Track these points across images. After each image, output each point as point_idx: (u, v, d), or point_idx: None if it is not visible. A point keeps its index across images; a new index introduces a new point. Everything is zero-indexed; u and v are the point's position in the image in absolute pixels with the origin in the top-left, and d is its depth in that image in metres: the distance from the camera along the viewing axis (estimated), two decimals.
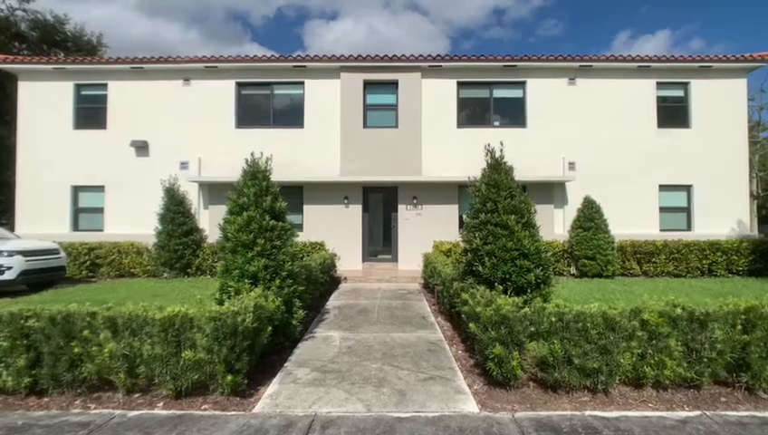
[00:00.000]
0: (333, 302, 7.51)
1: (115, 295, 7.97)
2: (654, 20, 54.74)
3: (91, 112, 11.70)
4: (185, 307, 3.56)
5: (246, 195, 5.07)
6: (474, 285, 4.81)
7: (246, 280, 4.69)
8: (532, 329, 3.47)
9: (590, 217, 10.52)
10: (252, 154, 5.41)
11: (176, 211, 10.54)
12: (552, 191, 11.30)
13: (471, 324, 3.82)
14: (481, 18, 53.86)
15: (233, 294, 4.59)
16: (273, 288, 4.69)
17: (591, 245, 10.28)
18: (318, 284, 7.09)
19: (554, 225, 11.28)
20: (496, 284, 4.72)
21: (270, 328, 4.01)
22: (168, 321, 3.41)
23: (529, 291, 4.75)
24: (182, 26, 48.65)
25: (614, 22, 53.10)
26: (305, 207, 11.37)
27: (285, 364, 4.31)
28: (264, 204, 5.06)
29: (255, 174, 5.23)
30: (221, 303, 4.56)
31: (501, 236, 4.79)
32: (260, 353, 4.08)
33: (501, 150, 5.42)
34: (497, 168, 5.33)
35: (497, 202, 4.99)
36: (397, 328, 5.71)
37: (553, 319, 3.45)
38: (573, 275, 10.62)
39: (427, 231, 11.09)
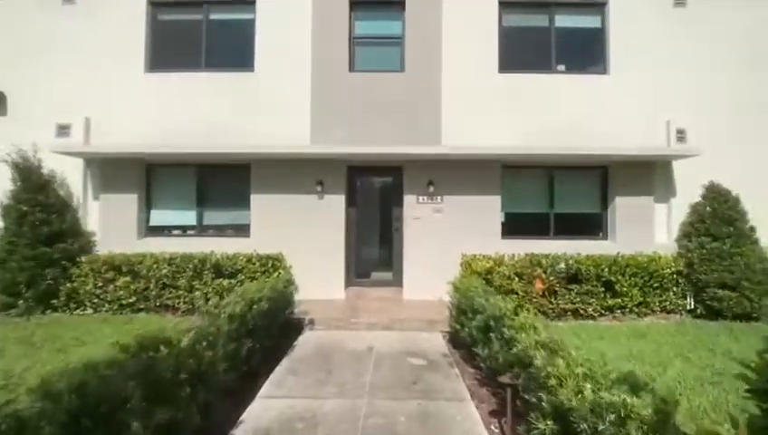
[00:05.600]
0: (262, 405, 3.27)
1: None
2: None
3: None
4: None
5: None
6: None
7: None
8: None
9: (724, 216, 6.32)
10: None
11: (32, 203, 6.29)
12: (649, 175, 7.08)
13: None
14: None
15: None
16: None
17: (731, 264, 6.09)
18: (210, 388, 2.86)
19: (655, 228, 7.06)
20: None
21: None
22: None
23: None
24: None
25: None
26: (254, 197, 7.10)
27: None
28: None
29: None
30: None
31: None
32: None
33: None
34: None
35: None
36: None
37: None
38: (692, 312, 6.44)
39: (451, 237, 6.87)
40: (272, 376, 3.87)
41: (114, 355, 2.27)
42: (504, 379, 2.84)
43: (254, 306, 3.80)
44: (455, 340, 5.04)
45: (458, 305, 4.61)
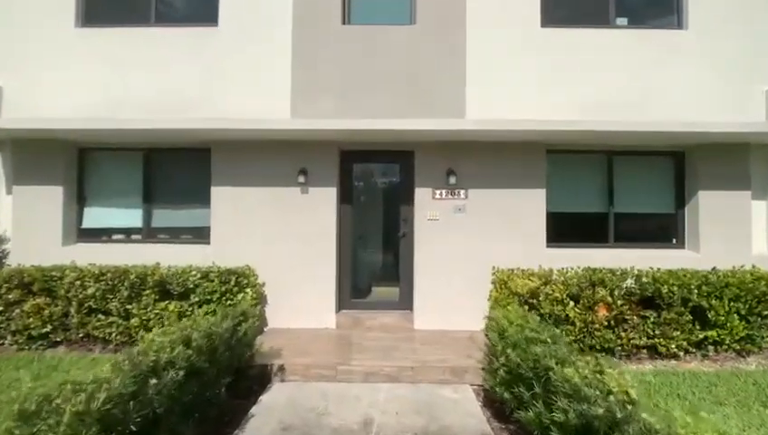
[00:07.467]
0: None
1: None
2: None
3: None
4: None
5: None
6: None
7: None
8: None
9: None
10: None
11: None
12: (744, 162, 5.31)
13: None
14: None
15: None
16: None
17: None
18: None
19: (752, 232, 5.29)
20: None
21: None
22: None
23: None
24: None
25: None
26: (215, 191, 5.37)
27: None
28: None
29: None
30: None
31: None
32: None
33: None
34: None
35: None
36: None
37: None
38: None
39: (479, 245, 5.14)
40: None
41: None
42: None
43: (152, 381, 2.06)
44: (493, 401, 3.31)
45: (509, 363, 2.85)
